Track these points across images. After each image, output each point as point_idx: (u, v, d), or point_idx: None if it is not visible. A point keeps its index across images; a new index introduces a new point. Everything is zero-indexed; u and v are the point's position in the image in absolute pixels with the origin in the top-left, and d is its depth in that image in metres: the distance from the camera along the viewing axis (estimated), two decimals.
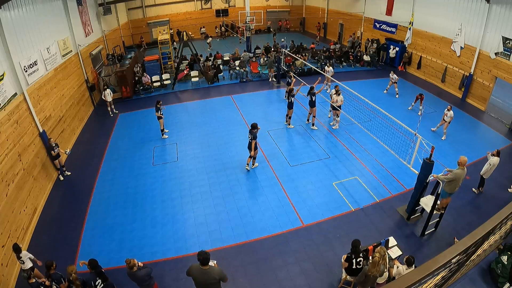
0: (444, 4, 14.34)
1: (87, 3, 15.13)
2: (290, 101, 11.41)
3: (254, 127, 8.93)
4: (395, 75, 13.96)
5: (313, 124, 11.75)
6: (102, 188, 8.92)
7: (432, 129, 11.29)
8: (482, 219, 2.27)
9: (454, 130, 11.22)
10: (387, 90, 14.79)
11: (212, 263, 4.69)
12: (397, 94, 14.30)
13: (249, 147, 9.14)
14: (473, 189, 8.32)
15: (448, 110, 10.45)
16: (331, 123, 12.08)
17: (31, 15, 9.42)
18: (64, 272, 5.24)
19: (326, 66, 15.63)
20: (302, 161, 9.77)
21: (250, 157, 9.27)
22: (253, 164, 9.48)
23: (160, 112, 10.87)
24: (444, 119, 10.62)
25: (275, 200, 8.20)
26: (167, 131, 11.67)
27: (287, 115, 11.92)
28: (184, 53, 17.01)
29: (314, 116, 11.64)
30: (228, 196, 8.36)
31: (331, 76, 14.40)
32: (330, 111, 12.47)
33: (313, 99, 11.20)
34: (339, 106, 11.06)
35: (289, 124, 11.93)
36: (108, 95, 13.14)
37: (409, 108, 13.13)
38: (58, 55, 11.20)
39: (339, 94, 11.04)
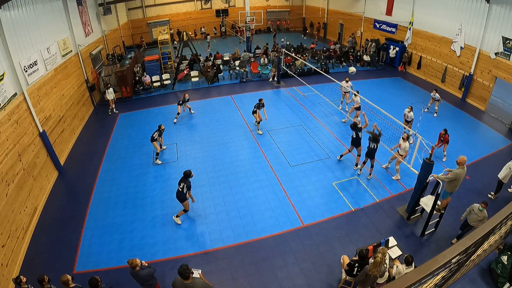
0: (444, 4, 14.34)
1: (87, 3, 15.13)
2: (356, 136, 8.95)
3: (187, 175, 7.03)
4: (437, 94, 12.28)
5: (356, 165, 9.35)
6: (102, 188, 8.92)
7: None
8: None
9: (454, 130, 11.22)
10: (428, 109, 12.94)
11: (196, 273, 4.52)
12: (436, 112, 12.67)
13: (180, 197, 7.12)
14: (488, 195, 8.15)
15: (408, 111, 10.41)
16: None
17: (31, 15, 9.41)
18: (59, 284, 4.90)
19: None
20: (302, 161, 9.77)
21: (185, 211, 7.40)
22: (177, 216, 7.46)
23: (158, 135, 9.91)
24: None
25: (275, 200, 8.20)
26: (164, 148, 10.61)
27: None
28: (184, 53, 17.02)
29: (359, 155, 9.17)
30: (228, 196, 8.36)
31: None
32: (342, 102, 13.36)
33: (359, 136, 8.85)
34: (358, 108, 11.44)
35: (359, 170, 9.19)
36: (110, 94, 13.20)
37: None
38: (58, 55, 11.19)
39: (356, 95, 11.31)
